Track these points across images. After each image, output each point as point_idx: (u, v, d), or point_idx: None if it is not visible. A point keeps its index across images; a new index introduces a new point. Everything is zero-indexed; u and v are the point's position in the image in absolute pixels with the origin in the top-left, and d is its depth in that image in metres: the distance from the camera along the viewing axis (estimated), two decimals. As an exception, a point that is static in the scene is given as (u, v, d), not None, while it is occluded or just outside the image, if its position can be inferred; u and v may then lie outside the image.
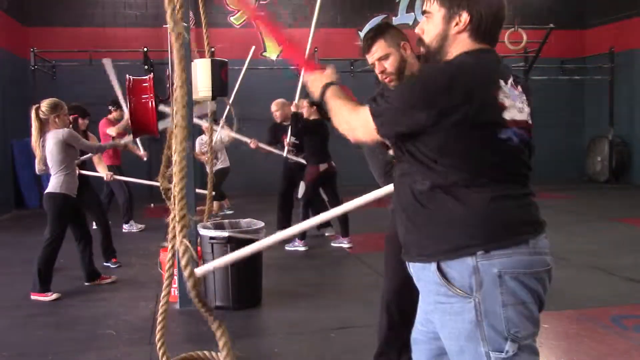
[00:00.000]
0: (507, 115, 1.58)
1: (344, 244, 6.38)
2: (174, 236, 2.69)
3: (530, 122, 1.67)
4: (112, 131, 6.97)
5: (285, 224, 6.99)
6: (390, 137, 1.71)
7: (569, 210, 8.63)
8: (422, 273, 1.68)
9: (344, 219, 6.41)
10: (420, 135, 1.60)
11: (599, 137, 12.21)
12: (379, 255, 5.95)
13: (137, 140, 6.78)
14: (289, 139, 6.53)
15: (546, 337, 3.63)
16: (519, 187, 1.65)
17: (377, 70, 2.53)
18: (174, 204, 2.66)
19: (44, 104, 4.73)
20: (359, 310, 4.25)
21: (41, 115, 4.69)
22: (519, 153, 1.62)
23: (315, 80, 1.90)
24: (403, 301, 2.58)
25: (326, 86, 1.85)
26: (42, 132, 4.71)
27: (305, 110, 6.35)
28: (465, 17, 1.64)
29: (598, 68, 12.11)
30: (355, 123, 1.72)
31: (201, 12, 4.47)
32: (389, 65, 2.49)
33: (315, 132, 6.22)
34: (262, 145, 7.00)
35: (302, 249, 6.29)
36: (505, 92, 1.59)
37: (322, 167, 6.19)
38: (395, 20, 11.89)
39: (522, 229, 1.60)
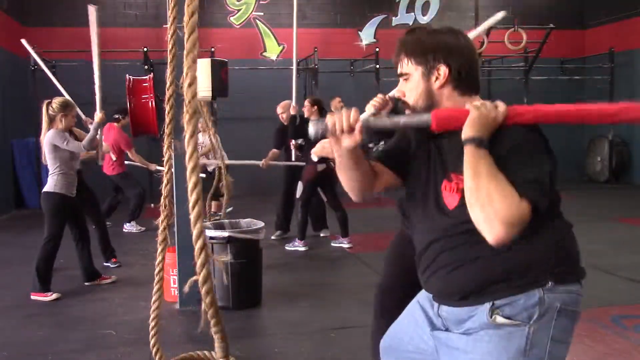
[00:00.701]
0: None
1: (344, 244, 6.38)
2: (165, 238, 2.70)
3: None
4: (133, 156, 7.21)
5: (284, 223, 7.00)
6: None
7: (568, 210, 8.55)
8: (465, 316, 1.61)
9: (343, 219, 6.41)
10: None
11: (599, 137, 12.20)
12: (379, 255, 5.95)
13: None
14: (294, 141, 6.59)
15: (546, 337, 3.64)
16: (568, 224, 1.67)
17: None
18: (164, 205, 2.67)
19: (55, 102, 4.79)
20: (359, 310, 4.25)
21: (50, 112, 4.75)
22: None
23: (484, 122, 1.52)
24: (394, 295, 2.59)
25: (481, 143, 1.50)
26: (49, 128, 4.76)
27: (307, 110, 6.37)
28: (443, 69, 1.60)
29: (598, 68, 12.11)
30: (514, 219, 1.39)
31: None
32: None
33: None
34: (272, 162, 7.02)
35: (302, 249, 6.29)
36: None
37: (320, 167, 6.19)
38: (395, 20, 11.89)
39: (581, 268, 1.63)
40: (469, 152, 1.48)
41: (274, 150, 7.14)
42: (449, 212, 1.59)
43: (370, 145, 2.58)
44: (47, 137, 4.70)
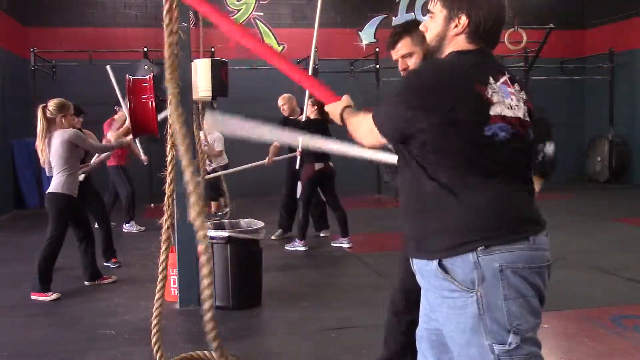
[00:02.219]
0: (493, 111, 1.61)
1: (344, 243, 6.38)
2: (168, 237, 2.70)
3: (525, 118, 1.70)
4: (110, 136, 6.97)
5: (287, 223, 6.98)
6: (389, 136, 1.76)
7: (569, 210, 8.62)
8: (424, 270, 1.72)
9: (342, 219, 6.41)
10: (415, 136, 1.65)
11: (599, 137, 12.20)
12: (379, 255, 5.99)
13: (137, 142, 6.80)
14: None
15: (546, 337, 3.63)
16: (518, 183, 1.68)
17: (400, 67, 2.54)
18: (167, 205, 2.67)
19: (51, 104, 4.75)
20: (359, 310, 4.25)
21: (48, 115, 4.72)
22: (509, 149, 1.64)
23: (333, 109, 2.03)
24: (408, 293, 2.60)
25: (343, 110, 1.97)
26: (48, 131, 4.72)
27: (308, 109, 6.37)
28: (464, 20, 1.68)
29: (598, 68, 12.11)
30: (364, 130, 1.84)
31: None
32: (412, 64, 2.48)
33: (313, 130, 6.23)
34: (275, 158, 6.95)
35: (302, 249, 6.29)
36: (494, 88, 1.63)
37: (318, 166, 6.19)
38: (395, 20, 11.89)
39: (522, 226, 1.64)
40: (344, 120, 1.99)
41: (275, 144, 7.14)
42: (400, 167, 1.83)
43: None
44: (63, 137, 4.67)
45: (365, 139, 1.87)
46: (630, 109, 11.82)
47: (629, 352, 3.40)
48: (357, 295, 4.63)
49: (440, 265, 1.64)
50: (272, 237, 6.74)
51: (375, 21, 11.95)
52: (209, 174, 8.27)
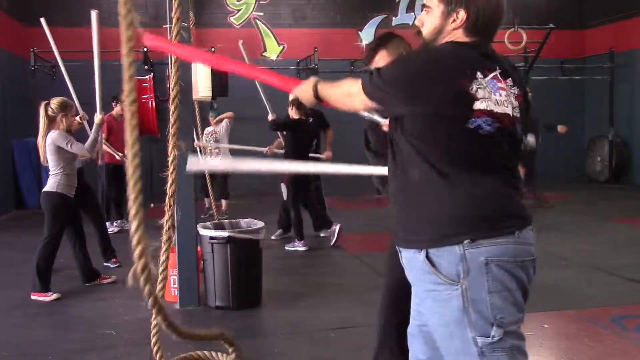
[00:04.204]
0: (479, 105, 1.60)
1: (300, 247, 6.32)
2: (169, 237, 2.70)
3: (515, 114, 1.69)
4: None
5: (287, 223, 6.95)
6: (377, 104, 1.76)
7: (569, 210, 8.62)
8: (412, 261, 1.73)
9: (298, 221, 6.35)
10: (403, 123, 1.68)
11: (599, 137, 12.20)
12: (379, 255, 5.93)
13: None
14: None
15: (546, 337, 3.63)
16: (505, 177, 1.69)
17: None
18: (169, 205, 2.67)
19: (54, 102, 4.77)
20: (359, 310, 4.25)
21: (49, 113, 4.73)
22: (494, 143, 1.64)
23: (303, 90, 1.94)
24: (399, 293, 2.60)
25: (315, 85, 1.90)
26: (49, 129, 4.74)
27: (290, 111, 6.44)
28: (462, 14, 1.69)
29: (598, 68, 12.11)
30: (354, 91, 1.76)
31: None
32: None
33: (292, 130, 6.37)
34: (276, 150, 6.99)
35: (302, 249, 6.29)
36: (481, 83, 1.62)
37: None
38: (395, 20, 11.89)
39: (508, 220, 1.65)
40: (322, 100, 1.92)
41: (279, 139, 7.19)
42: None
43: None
44: (50, 138, 4.69)
45: (355, 101, 1.79)
46: (630, 109, 11.82)
47: (629, 352, 3.40)
48: (357, 295, 4.63)
49: (427, 257, 1.65)
50: (272, 237, 6.73)
51: (375, 21, 11.94)
52: (212, 175, 8.32)
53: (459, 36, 1.72)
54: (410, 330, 1.92)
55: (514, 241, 1.63)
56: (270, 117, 6.70)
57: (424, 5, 1.79)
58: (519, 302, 1.65)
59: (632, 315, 4.01)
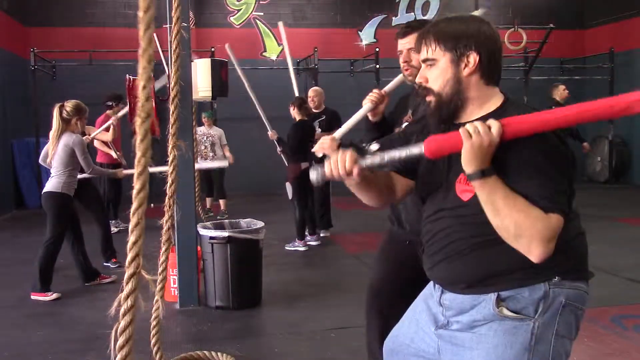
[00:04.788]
0: None
1: (300, 247, 6.35)
2: (169, 238, 2.71)
3: None
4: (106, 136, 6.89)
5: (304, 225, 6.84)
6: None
7: (569, 210, 8.61)
8: (464, 304, 1.60)
9: (301, 221, 6.38)
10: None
11: (599, 137, 12.20)
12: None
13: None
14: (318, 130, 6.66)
15: (546, 337, 3.63)
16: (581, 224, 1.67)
17: (401, 59, 2.49)
18: (168, 205, 2.67)
19: (69, 105, 4.77)
20: (359, 310, 4.22)
21: (64, 115, 4.73)
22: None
23: (480, 152, 1.46)
24: (384, 295, 2.60)
25: (486, 174, 1.46)
26: (64, 131, 4.74)
27: (292, 111, 6.43)
28: (474, 56, 1.56)
29: (598, 68, 12.11)
30: (551, 236, 1.43)
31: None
32: (416, 60, 2.40)
33: (296, 130, 6.34)
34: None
35: (302, 248, 6.29)
36: None
37: (304, 165, 6.20)
38: (395, 20, 11.89)
39: (588, 267, 1.65)
40: (477, 188, 1.47)
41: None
42: (463, 203, 1.58)
43: (363, 145, 2.60)
44: (70, 140, 4.69)
45: (548, 245, 1.43)
46: (630, 109, 11.81)
47: (629, 352, 3.40)
48: (357, 295, 4.60)
49: (498, 296, 1.54)
50: (321, 234, 6.71)
51: (375, 21, 11.94)
52: (209, 172, 8.33)
53: (481, 85, 1.58)
54: (392, 346, 1.84)
55: (585, 289, 1.60)
56: (270, 134, 6.66)
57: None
58: (570, 353, 1.59)
59: (632, 315, 4.01)
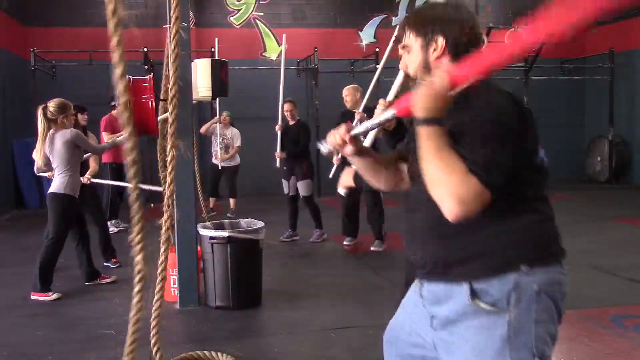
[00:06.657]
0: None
1: (318, 239, 6.70)
2: (168, 238, 2.70)
3: None
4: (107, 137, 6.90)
5: (350, 229, 6.70)
6: (502, 187, 1.50)
7: (569, 210, 8.61)
8: (442, 294, 1.63)
9: (317, 211, 6.74)
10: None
11: (599, 137, 12.20)
12: (379, 256, 5.98)
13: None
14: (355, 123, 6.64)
15: (546, 337, 3.63)
16: (551, 208, 1.66)
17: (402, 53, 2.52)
18: (167, 205, 2.67)
19: (52, 104, 4.73)
20: (359, 310, 4.25)
21: (49, 115, 4.70)
22: (547, 174, 1.64)
23: (425, 99, 1.49)
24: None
25: (427, 122, 1.49)
26: (50, 131, 4.72)
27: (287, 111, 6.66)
28: (441, 41, 1.63)
29: (598, 68, 12.11)
30: (464, 195, 1.42)
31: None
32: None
33: (305, 131, 6.70)
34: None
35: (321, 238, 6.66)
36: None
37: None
38: (395, 20, 11.89)
39: (558, 249, 1.63)
40: (419, 135, 1.51)
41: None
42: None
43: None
44: (66, 137, 4.67)
45: (464, 207, 1.43)
46: (630, 109, 11.82)
47: (629, 352, 3.40)
48: (357, 295, 4.63)
49: (471, 289, 1.55)
50: (345, 243, 6.53)
51: (375, 21, 11.94)
52: (219, 171, 8.39)
53: (449, 65, 1.62)
54: (390, 338, 1.86)
55: (560, 271, 1.60)
56: (278, 127, 6.77)
57: (403, 47, 1.72)
58: (555, 334, 1.60)
59: (632, 315, 4.01)
